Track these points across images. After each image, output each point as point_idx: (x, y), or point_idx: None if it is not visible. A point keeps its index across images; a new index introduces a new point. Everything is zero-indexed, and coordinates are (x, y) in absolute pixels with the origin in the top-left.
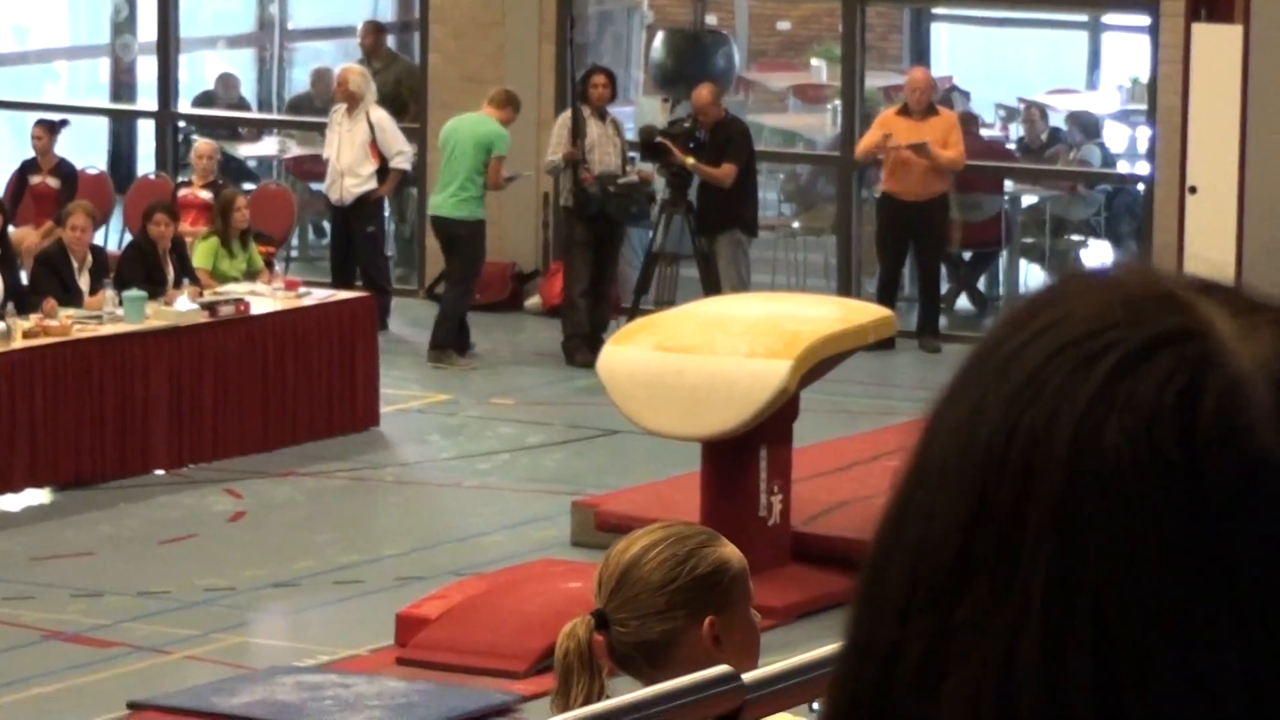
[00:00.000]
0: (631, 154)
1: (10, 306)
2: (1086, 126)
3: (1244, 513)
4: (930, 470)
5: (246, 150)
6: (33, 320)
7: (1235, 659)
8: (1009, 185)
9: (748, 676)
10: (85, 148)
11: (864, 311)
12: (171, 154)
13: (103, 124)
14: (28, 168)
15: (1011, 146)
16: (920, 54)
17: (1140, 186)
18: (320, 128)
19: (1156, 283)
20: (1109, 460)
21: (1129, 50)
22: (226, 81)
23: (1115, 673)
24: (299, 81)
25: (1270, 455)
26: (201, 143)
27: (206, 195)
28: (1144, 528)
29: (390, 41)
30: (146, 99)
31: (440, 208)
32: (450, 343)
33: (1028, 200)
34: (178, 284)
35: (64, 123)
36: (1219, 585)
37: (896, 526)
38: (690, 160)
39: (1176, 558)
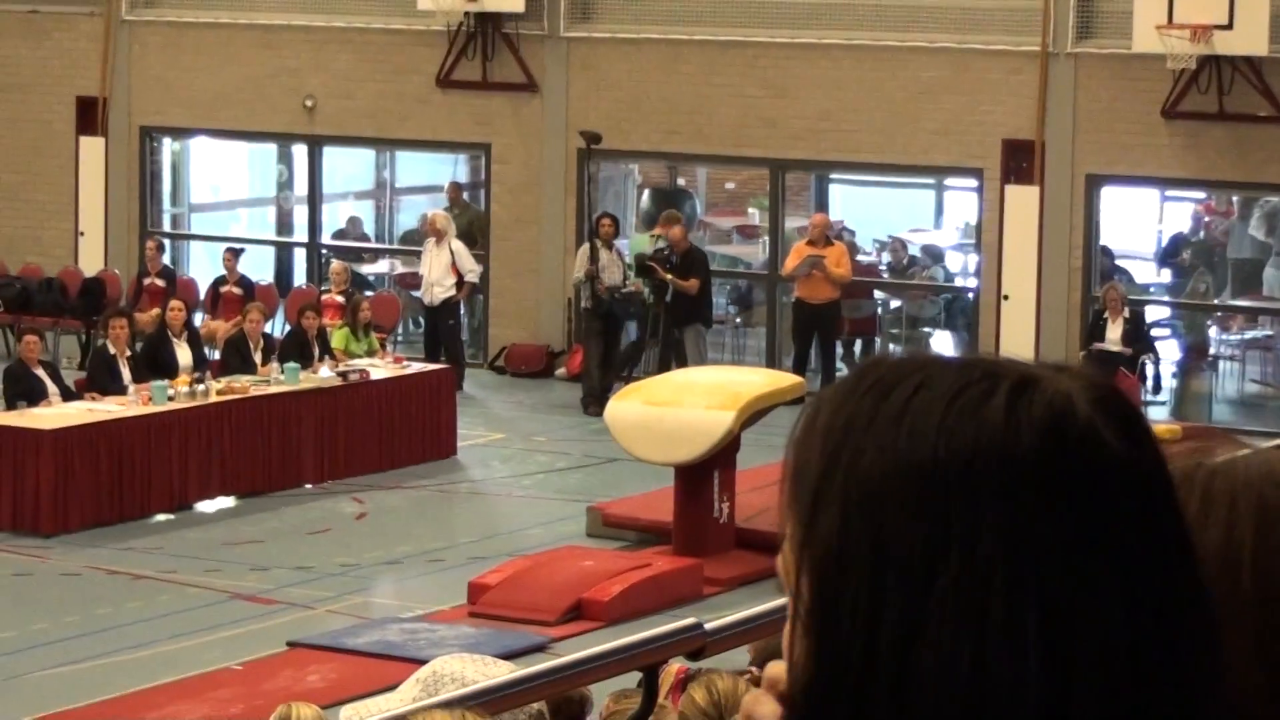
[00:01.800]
0: (628, 272)
1: (207, 374)
2: (934, 255)
3: (1107, 476)
4: (866, 489)
5: (368, 269)
6: (222, 382)
7: (1145, 607)
8: (880, 294)
9: (709, 625)
10: (259, 267)
11: (784, 379)
12: (317, 271)
13: (270, 251)
14: (219, 281)
15: (883, 268)
16: (821, 204)
17: (970, 295)
18: (417, 254)
19: (973, 355)
20: (1029, 459)
21: (963, 203)
22: (354, 222)
23: (1054, 610)
24: (404, 223)
25: (1111, 443)
26: (337, 263)
27: (340, 299)
28: (1059, 499)
29: (465, 195)
30: (300, 234)
31: None
32: None
33: (894, 304)
34: (320, 359)
35: (242, 250)
36: (1110, 524)
37: (843, 531)
38: (669, 276)
39: (1081, 515)
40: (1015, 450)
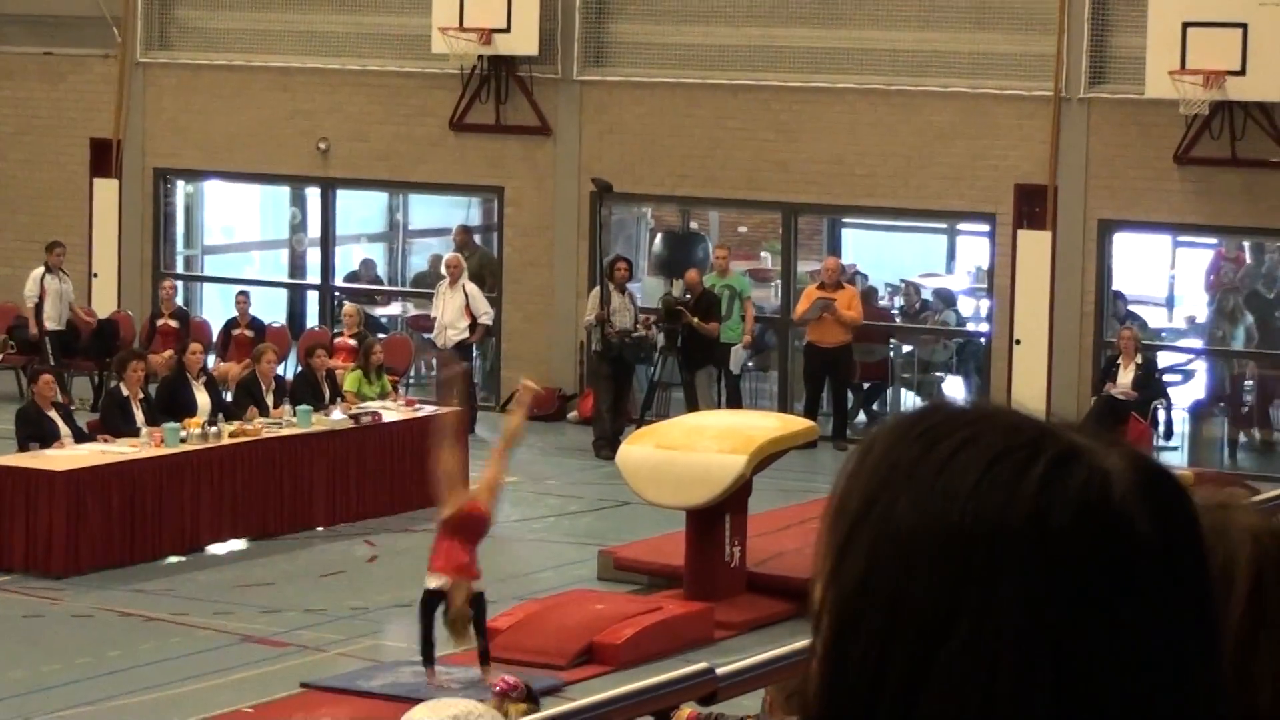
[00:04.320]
0: (642, 315)
1: (220, 416)
2: (946, 299)
3: (1134, 560)
4: (894, 540)
5: (380, 311)
6: (235, 425)
7: (1169, 669)
8: (892, 339)
9: (720, 670)
10: (271, 309)
11: (796, 423)
12: (329, 313)
13: (283, 293)
14: (230, 324)
15: (895, 312)
16: (834, 248)
17: (982, 340)
18: (430, 296)
19: (1026, 415)
20: (1055, 536)
21: (975, 247)
22: (367, 265)
23: (1071, 690)
24: (416, 265)
25: (1143, 528)
26: (349, 306)
27: (353, 342)
28: (1082, 578)
29: (477, 238)
30: (313, 276)
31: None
32: None
33: (905, 349)
34: (332, 401)
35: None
36: (1132, 606)
37: (866, 577)
38: (695, 320)
39: (1103, 595)
40: (1042, 527)
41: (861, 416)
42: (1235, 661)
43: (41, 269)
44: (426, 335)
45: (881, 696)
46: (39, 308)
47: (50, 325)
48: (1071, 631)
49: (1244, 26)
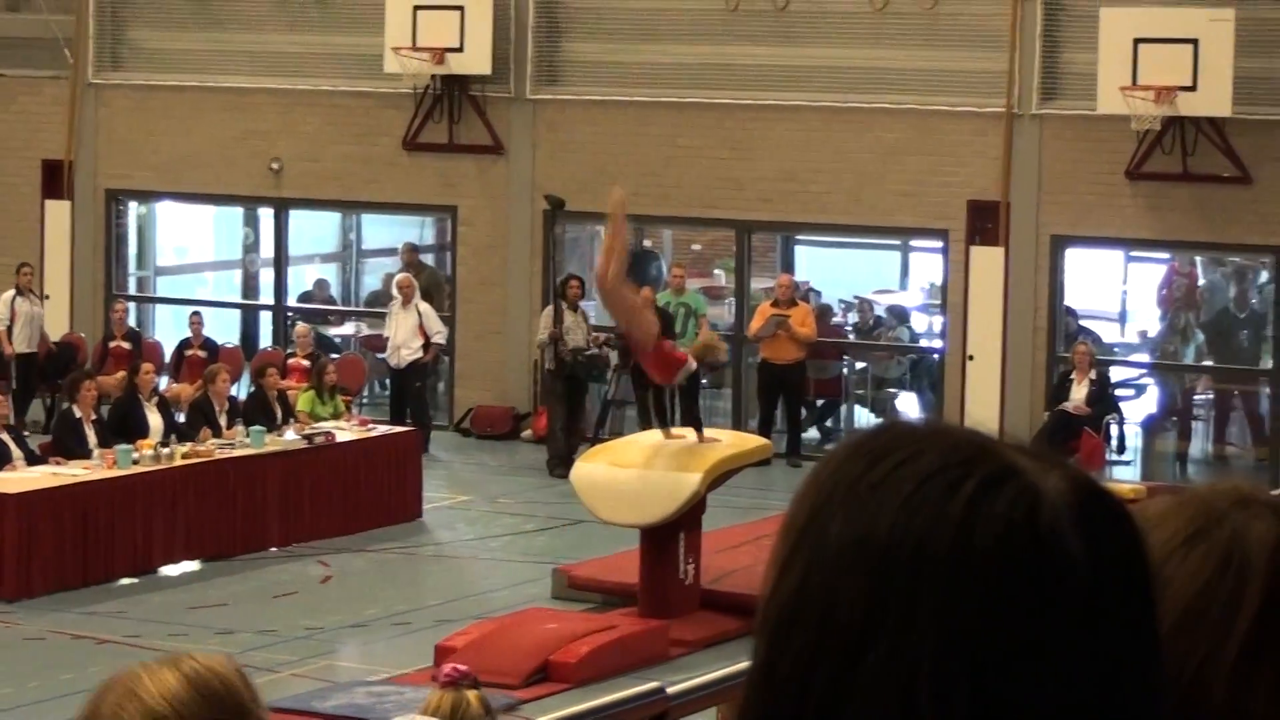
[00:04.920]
0: (594, 333)
1: (172, 437)
2: (899, 315)
3: (1059, 582)
4: (827, 554)
5: (334, 331)
6: (188, 446)
7: (1093, 681)
8: (845, 355)
9: (671, 689)
10: (224, 329)
11: (750, 440)
12: (282, 334)
13: (236, 314)
14: (184, 344)
15: (849, 329)
16: (787, 265)
17: (935, 356)
18: (383, 316)
19: (973, 435)
20: (978, 555)
21: (928, 263)
22: (320, 285)
23: (987, 702)
24: (370, 285)
25: (1074, 550)
26: (302, 326)
27: (306, 363)
28: (1003, 599)
29: (430, 259)
30: (266, 296)
31: None
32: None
33: (859, 365)
34: (285, 422)
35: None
36: (1055, 629)
37: (799, 591)
38: None
39: (1024, 617)
40: (966, 546)
41: (814, 433)
42: (1236, 670)
43: (12, 291)
44: (380, 355)
45: (806, 712)
46: (9, 330)
47: (20, 348)
48: (991, 653)
49: (1194, 42)
